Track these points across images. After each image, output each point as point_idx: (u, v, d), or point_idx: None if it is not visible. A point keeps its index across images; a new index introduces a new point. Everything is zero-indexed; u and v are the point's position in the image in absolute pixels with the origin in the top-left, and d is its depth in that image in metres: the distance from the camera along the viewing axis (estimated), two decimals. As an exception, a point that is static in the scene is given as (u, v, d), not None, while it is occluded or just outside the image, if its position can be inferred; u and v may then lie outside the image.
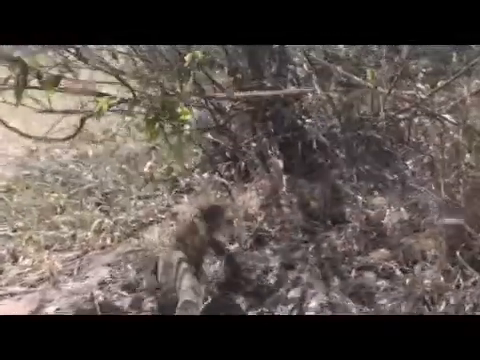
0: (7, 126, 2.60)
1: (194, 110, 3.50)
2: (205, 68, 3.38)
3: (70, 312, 2.93)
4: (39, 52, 2.66)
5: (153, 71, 3.62)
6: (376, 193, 3.54)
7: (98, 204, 4.03)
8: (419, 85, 2.66)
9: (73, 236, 3.68)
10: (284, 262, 3.27)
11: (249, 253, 3.39)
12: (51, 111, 2.81)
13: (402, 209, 3.32)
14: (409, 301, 2.80)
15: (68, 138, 2.77)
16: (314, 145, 3.64)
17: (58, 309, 2.96)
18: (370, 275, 3.10)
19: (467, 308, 2.66)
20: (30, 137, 2.87)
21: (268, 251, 3.42)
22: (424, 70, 3.16)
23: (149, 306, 2.95)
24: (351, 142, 3.59)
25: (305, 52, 3.50)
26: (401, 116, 2.87)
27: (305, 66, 3.64)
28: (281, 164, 3.58)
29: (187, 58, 2.50)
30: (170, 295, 2.77)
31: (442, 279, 2.85)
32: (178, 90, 3.10)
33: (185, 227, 3.04)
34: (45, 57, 2.75)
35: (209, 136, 4.12)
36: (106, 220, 3.75)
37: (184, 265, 2.83)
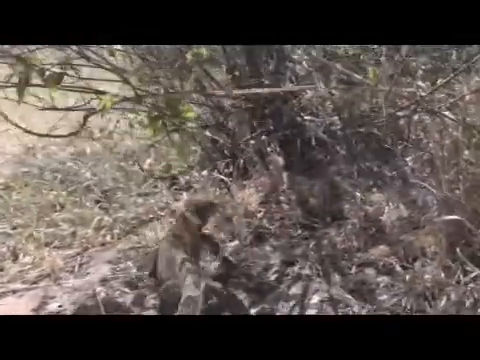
0: (12, 123, 2.60)
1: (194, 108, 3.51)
2: (206, 66, 3.39)
3: (73, 308, 2.94)
4: (41, 49, 2.67)
5: (152, 69, 3.63)
6: (375, 190, 3.56)
7: (97, 201, 4.03)
8: (419, 83, 2.68)
9: (73, 233, 3.69)
10: (284, 259, 3.29)
11: (249, 250, 3.40)
12: (54, 108, 2.82)
13: (401, 206, 3.34)
14: (410, 297, 2.82)
15: (71, 135, 2.78)
16: (313, 142, 3.65)
17: (60, 306, 2.97)
18: (370, 271, 3.12)
19: (468, 303, 2.69)
20: (34, 134, 2.86)
21: (268, 248, 3.43)
22: (423, 67, 3.19)
23: (151, 303, 2.96)
24: (351, 139, 3.61)
25: (305, 49, 3.51)
26: (401, 113, 2.90)
27: (304, 64, 3.66)
28: (282, 161, 3.59)
29: (189, 55, 2.50)
30: (172, 290, 2.79)
31: (443, 275, 2.87)
32: (179, 88, 3.13)
33: (179, 223, 3.11)
34: (48, 54, 2.75)
35: (207, 133, 4.13)
36: (106, 217, 3.75)
37: (187, 261, 2.86)
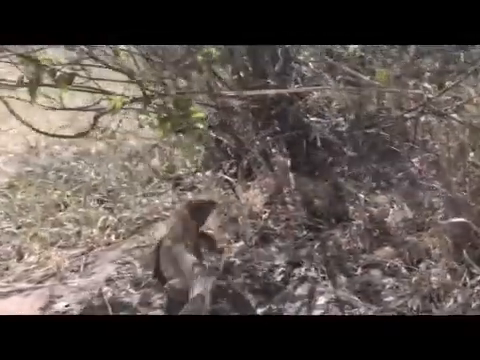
0: (23, 122, 2.60)
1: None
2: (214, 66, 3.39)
3: (80, 308, 2.94)
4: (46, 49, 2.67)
5: (163, 69, 3.63)
6: (380, 191, 3.56)
7: (101, 201, 4.03)
8: (426, 84, 2.69)
9: (78, 233, 3.69)
10: (290, 260, 3.29)
11: (254, 250, 3.40)
12: (63, 108, 2.82)
13: (407, 207, 3.35)
14: (416, 298, 2.82)
15: (81, 135, 2.78)
16: (318, 143, 3.66)
17: (68, 305, 2.98)
18: (376, 273, 3.12)
19: (474, 305, 2.70)
20: (46, 134, 2.87)
21: (273, 249, 3.43)
22: (428, 69, 3.20)
23: (158, 303, 2.97)
24: (357, 140, 3.62)
25: (311, 51, 3.52)
26: (408, 115, 2.91)
27: (311, 65, 3.67)
28: (288, 162, 3.60)
29: (200, 55, 2.51)
30: (178, 288, 2.80)
31: (448, 277, 2.88)
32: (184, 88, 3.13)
33: (179, 222, 3.17)
34: (55, 54, 2.76)
35: (212, 134, 4.13)
36: (110, 217, 3.75)
37: (192, 259, 2.90)
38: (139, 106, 2.85)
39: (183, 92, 2.46)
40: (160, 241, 3.18)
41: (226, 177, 3.89)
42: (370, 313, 2.80)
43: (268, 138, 3.73)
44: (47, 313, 2.94)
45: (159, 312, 2.91)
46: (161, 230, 3.55)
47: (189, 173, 4.19)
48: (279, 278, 3.16)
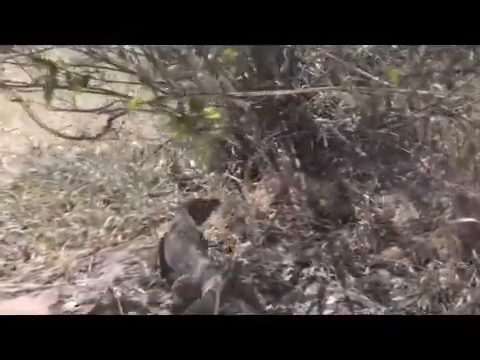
0: (39, 123, 2.60)
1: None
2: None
3: (89, 308, 2.95)
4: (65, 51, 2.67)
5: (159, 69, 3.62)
6: (388, 191, 3.57)
7: (107, 202, 4.03)
8: (436, 85, 2.70)
9: (84, 233, 3.68)
10: (298, 260, 3.30)
11: (261, 250, 3.40)
12: (76, 110, 2.82)
13: (414, 207, 3.35)
14: (425, 298, 2.83)
15: (97, 137, 2.79)
16: (325, 143, 3.67)
17: (77, 305, 2.98)
18: (384, 273, 3.13)
19: (483, 306, 2.71)
20: (63, 136, 2.87)
21: (281, 248, 3.44)
22: (437, 69, 3.20)
23: (167, 302, 2.97)
24: (365, 141, 3.63)
25: (319, 51, 3.53)
26: (417, 115, 2.92)
27: (317, 65, 3.68)
28: (297, 163, 3.61)
29: (222, 56, 2.51)
30: (187, 283, 2.81)
31: (457, 277, 2.89)
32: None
33: (183, 219, 3.25)
34: (73, 56, 2.76)
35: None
36: (117, 218, 3.75)
37: (202, 255, 2.94)
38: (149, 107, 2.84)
39: (198, 93, 2.44)
40: (162, 239, 3.20)
41: (232, 177, 3.89)
42: (379, 313, 2.80)
43: (274, 138, 3.73)
44: (56, 313, 2.93)
45: (167, 311, 2.91)
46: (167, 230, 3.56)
47: (196, 174, 4.18)
48: (287, 278, 3.16)
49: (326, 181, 3.71)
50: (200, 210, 3.38)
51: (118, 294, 3.03)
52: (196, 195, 3.96)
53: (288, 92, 3.44)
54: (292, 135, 3.77)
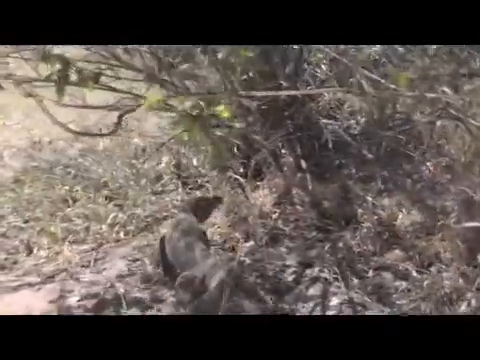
0: (56, 121, 2.60)
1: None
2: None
3: (92, 303, 2.94)
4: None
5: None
6: (392, 194, 3.57)
7: (109, 198, 4.01)
8: (444, 88, 2.70)
9: (86, 229, 3.67)
10: (301, 260, 3.30)
11: (265, 250, 3.40)
12: (85, 106, 2.82)
13: (419, 211, 3.36)
14: (429, 302, 2.84)
15: (109, 134, 2.78)
16: (330, 145, 3.67)
17: (80, 300, 2.97)
18: (388, 275, 3.14)
19: (488, 309, 2.72)
20: (73, 132, 2.87)
21: (283, 249, 3.44)
22: (444, 73, 3.20)
23: (170, 300, 2.97)
24: (369, 143, 3.64)
25: (326, 53, 3.53)
26: (425, 119, 2.92)
27: (323, 67, 3.68)
28: (304, 164, 3.61)
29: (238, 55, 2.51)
30: (191, 278, 2.83)
31: (461, 281, 2.90)
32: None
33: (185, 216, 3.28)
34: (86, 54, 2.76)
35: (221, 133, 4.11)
36: (120, 214, 3.74)
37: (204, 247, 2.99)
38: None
39: (213, 92, 2.45)
40: (163, 236, 3.21)
41: (236, 176, 3.88)
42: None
43: (279, 139, 3.73)
44: (59, 307, 2.93)
45: (171, 308, 2.91)
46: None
47: (199, 172, 4.18)
48: (290, 278, 3.16)
49: (330, 183, 3.70)
50: (202, 208, 3.40)
51: (121, 290, 3.02)
52: (199, 193, 3.95)
53: (294, 93, 3.44)
54: (296, 136, 3.77)
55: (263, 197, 3.77)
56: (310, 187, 3.44)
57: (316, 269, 3.20)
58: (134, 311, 2.90)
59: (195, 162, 4.32)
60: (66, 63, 2.31)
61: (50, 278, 3.21)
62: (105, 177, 4.17)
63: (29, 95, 2.55)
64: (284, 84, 3.69)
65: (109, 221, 3.66)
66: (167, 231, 3.25)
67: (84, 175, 4.30)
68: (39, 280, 3.19)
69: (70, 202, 3.94)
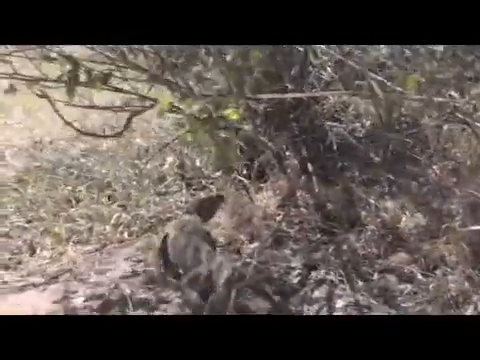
0: (66, 122, 2.59)
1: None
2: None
3: (97, 303, 2.94)
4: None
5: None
6: (397, 197, 3.57)
7: (112, 198, 4.00)
8: (452, 92, 2.71)
9: (90, 229, 3.66)
10: (306, 262, 3.30)
11: (269, 252, 3.40)
12: (92, 107, 2.82)
13: (423, 214, 3.36)
14: (435, 305, 2.84)
15: (117, 135, 2.78)
16: (334, 147, 3.67)
17: (85, 301, 2.96)
18: (393, 278, 3.14)
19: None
20: (82, 133, 2.86)
21: (288, 251, 3.44)
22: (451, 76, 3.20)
23: (176, 301, 2.97)
24: (374, 146, 3.64)
25: (332, 54, 3.52)
26: (432, 123, 2.92)
27: (329, 69, 3.68)
28: (306, 166, 3.61)
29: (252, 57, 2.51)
30: (199, 277, 2.84)
31: (467, 284, 2.90)
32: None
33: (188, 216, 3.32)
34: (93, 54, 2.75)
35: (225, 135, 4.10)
36: (123, 215, 3.73)
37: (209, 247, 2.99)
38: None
39: (221, 95, 2.44)
40: (165, 237, 3.20)
41: (240, 177, 3.89)
42: (388, 318, 2.81)
43: (285, 140, 3.73)
44: (64, 308, 2.92)
45: (176, 308, 2.91)
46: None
47: (202, 173, 4.18)
48: (296, 280, 3.16)
49: (334, 185, 3.70)
50: (206, 207, 3.40)
51: (127, 291, 3.02)
52: (203, 195, 3.95)
53: (300, 95, 3.44)
54: (301, 138, 3.77)
55: (267, 199, 3.77)
56: (316, 190, 3.43)
57: (321, 271, 3.19)
58: (140, 312, 2.89)
59: (199, 163, 4.32)
60: (76, 64, 2.30)
61: (54, 278, 3.20)
62: (108, 177, 4.16)
63: (43, 96, 2.54)
64: (290, 86, 3.70)
65: (113, 222, 3.65)
66: (171, 231, 3.23)
67: (87, 175, 4.29)
68: (43, 280, 3.18)
69: (73, 202, 3.94)
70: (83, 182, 4.16)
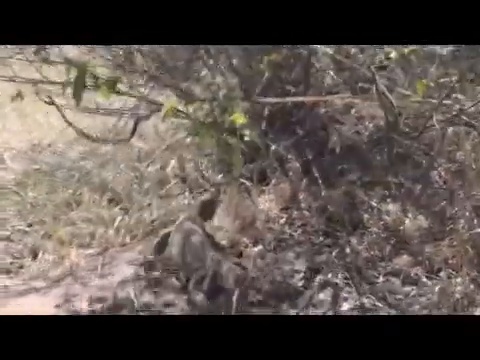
0: (72, 125, 2.58)
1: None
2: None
3: (101, 307, 2.92)
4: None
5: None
6: (400, 200, 3.56)
7: (113, 201, 3.98)
8: (458, 95, 2.71)
9: (91, 233, 3.64)
10: (309, 265, 3.28)
11: (272, 255, 3.39)
12: (97, 111, 2.80)
13: (426, 217, 3.35)
14: (441, 307, 2.83)
15: (123, 141, 2.77)
16: (337, 150, 3.66)
17: (90, 304, 2.94)
18: (397, 281, 3.13)
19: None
20: (87, 137, 2.85)
21: (291, 254, 3.42)
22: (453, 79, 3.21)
23: (180, 305, 2.95)
24: (378, 148, 3.64)
25: (335, 57, 3.52)
26: (437, 126, 2.92)
27: (331, 72, 3.68)
28: (308, 169, 3.61)
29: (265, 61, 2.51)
30: (203, 277, 2.88)
31: (472, 286, 2.89)
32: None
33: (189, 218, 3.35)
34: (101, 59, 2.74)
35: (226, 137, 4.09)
36: (125, 218, 3.71)
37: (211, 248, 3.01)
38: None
39: (226, 98, 2.43)
40: (165, 236, 3.22)
41: (242, 180, 3.87)
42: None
43: (287, 143, 3.72)
44: (68, 312, 2.90)
45: (180, 312, 2.89)
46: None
47: (204, 176, 4.16)
48: (300, 283, 3.15)
49: (337, 188, 3.69)
50: (206, 208, 3.42)
51: (131, 294, 3.00)
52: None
53: (307, 99, 3.43)
54: (304, 141, 3.76)
55: (269, 202, 3.76)
56: (322, 193, 3.42)
57: (328, 274, 3.18)
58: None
59: (201, 166, 4.30)
60: (83, 68, 2.29)
61: (56, 282, 3.17)
62: (109, 180, 4.14)
63: (51, 103, 2.53)
64: (292, 90, 3.69)
65: (114, 225, 3.63)
66: (173, 234, 3.22)
67: (87, 178, 4.26)
68: (45, 284, 3.15)
69: (74, 205, 3.91)
70: (83, 185, 4.13)
